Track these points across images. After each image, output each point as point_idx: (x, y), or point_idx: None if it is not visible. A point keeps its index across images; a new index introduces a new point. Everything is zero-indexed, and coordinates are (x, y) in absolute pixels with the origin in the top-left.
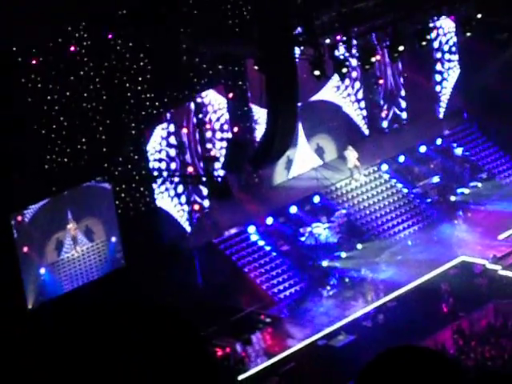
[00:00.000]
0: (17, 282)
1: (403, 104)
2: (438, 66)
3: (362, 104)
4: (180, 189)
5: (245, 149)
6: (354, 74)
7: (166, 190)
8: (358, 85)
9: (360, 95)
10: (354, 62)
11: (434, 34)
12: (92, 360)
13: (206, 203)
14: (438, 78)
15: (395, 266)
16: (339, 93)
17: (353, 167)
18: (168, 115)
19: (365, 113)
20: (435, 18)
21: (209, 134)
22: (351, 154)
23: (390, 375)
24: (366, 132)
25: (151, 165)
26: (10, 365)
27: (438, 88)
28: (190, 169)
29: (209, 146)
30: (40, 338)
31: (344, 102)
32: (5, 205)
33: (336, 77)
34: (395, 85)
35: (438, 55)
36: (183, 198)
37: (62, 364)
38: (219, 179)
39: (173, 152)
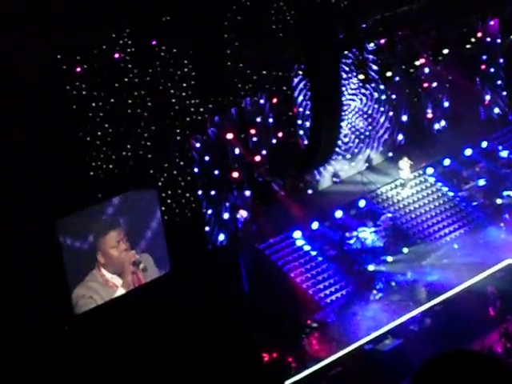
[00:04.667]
0: (63, 286)
1: (448, 107)
2: (482, 69)
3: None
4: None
5: (289, 154)
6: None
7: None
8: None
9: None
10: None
11: (477, 37)
12: (142, 366)
13: (251, 209)
14: (482, 80)
15: (441, 270)
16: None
17: (406, 178)
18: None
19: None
20: (479, 21)
21: (253, 139)
22: (406, 165)
23: (444, 379)
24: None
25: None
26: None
27: (482, 91)
28: (235, 174)
29: (253, 151)
30: (85, 344)
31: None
32: (50, 211)
33: None
34: (440, 88)
35: (482, 58)
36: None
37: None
38: (264, 184)
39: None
